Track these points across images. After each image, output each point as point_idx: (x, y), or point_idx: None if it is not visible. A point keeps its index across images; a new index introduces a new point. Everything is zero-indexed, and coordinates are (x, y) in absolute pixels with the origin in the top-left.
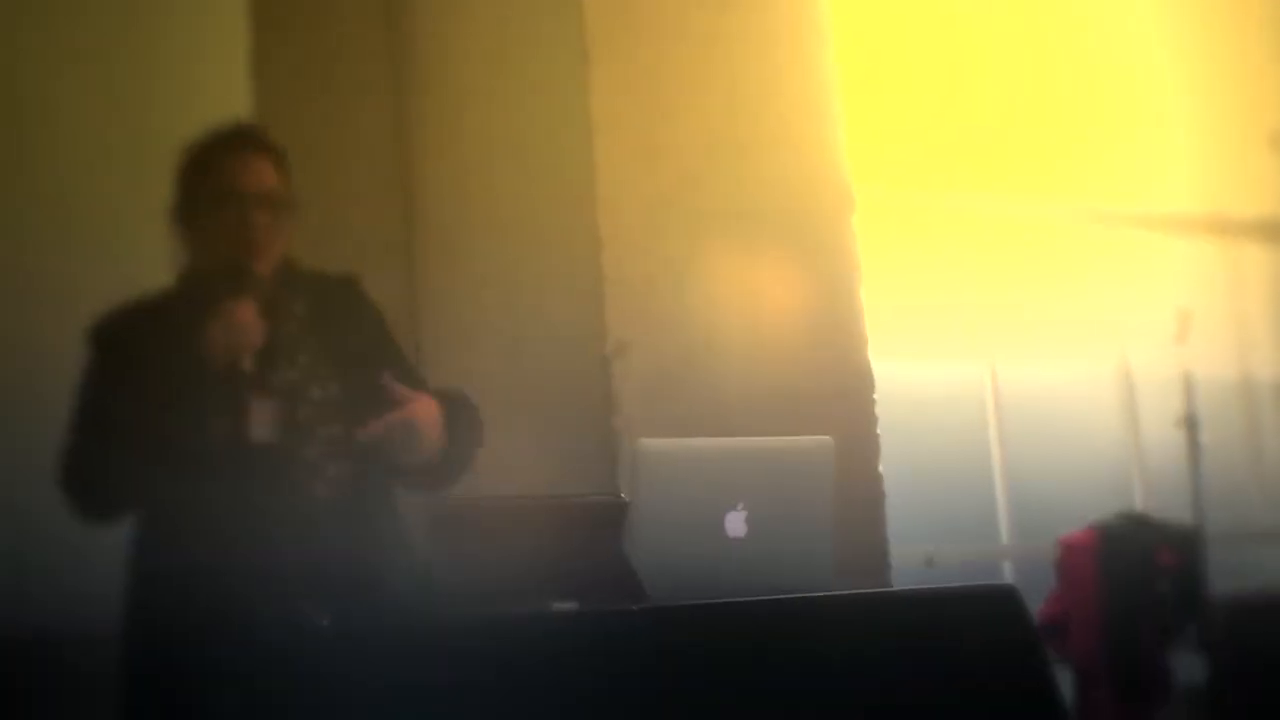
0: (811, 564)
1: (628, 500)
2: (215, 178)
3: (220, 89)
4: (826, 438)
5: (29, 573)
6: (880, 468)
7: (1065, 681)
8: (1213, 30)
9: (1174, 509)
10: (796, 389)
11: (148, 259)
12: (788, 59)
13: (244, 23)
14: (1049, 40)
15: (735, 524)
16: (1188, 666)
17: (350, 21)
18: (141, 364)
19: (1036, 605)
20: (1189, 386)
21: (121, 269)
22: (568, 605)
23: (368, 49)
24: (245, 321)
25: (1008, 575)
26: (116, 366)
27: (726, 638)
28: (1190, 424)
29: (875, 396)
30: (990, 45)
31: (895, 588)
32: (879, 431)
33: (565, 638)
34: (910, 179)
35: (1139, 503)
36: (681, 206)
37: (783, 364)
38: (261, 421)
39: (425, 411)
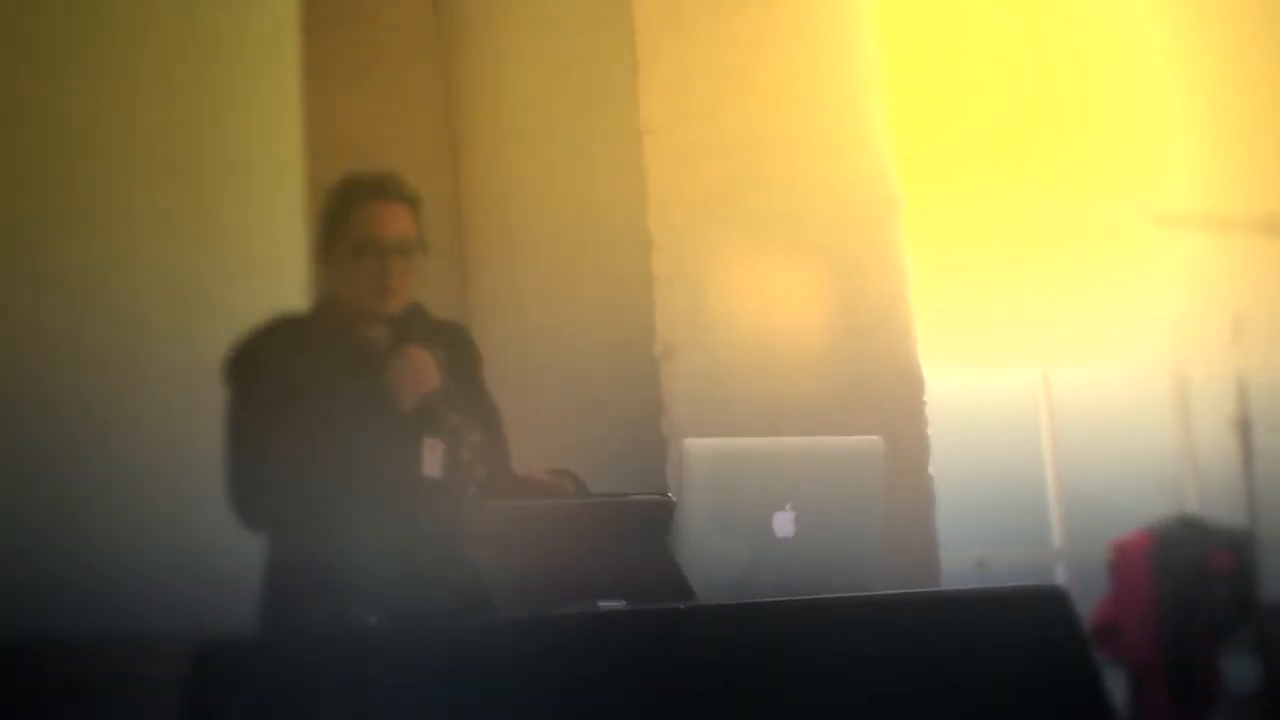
0: (860, 565)
1: (675, 500)
2: (356, 225)
3: (270, 91)
4: (875, 438)
5: (100, 578)
6: (931, 470)
7: (1118, 684)
8: None
9: (1227, 512)
10: (846, 391)
11: (202, 265)
12: (834, 61)
13: (294, 27)
14: (1101, 40)
15: (783, 524)
16: (1240, 670)
17: (400, 27)
18: (309, 396)
19: (1089, 609)
20: (1242, 389)
21: (183, 280)
22: (615, 604)
23: (418, 53)
24: (426, 365)
25: (1060, 578)
26: (281, 396)
27: (774, 637)
28: (1244, 426)
29: (926, 399)
30: (1040, 44)
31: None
32: (930, 434)
33: (613, 636)
34: (960, 181)
35: (1191, 506)
36: (730, 209)
37: (832, 366)
38: (433, 460)
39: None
